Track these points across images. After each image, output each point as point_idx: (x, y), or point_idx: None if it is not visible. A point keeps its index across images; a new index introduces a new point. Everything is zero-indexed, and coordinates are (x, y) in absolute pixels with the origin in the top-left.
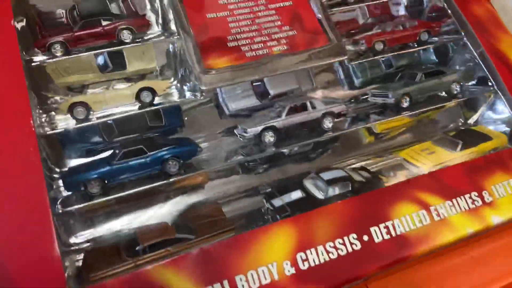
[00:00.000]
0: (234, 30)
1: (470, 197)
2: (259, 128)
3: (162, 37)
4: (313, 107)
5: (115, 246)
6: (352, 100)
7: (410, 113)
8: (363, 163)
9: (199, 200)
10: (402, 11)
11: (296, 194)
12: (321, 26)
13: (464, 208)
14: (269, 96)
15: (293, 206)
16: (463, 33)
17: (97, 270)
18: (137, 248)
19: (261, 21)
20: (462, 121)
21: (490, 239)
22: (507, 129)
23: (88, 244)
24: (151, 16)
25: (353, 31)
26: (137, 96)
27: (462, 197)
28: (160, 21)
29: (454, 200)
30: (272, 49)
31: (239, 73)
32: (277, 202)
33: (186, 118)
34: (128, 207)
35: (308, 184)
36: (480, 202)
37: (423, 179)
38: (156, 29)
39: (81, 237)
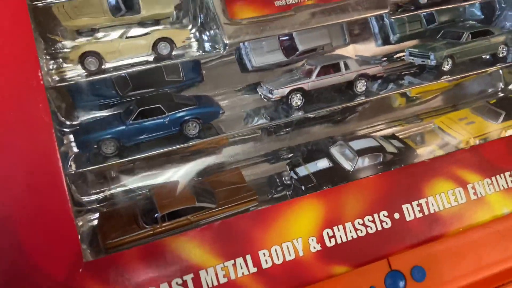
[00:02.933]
0: None
1: (511, 175)
2: (287, 90)
3: None
4: (347, 68)
5: (131, 211)
6: (386, 58)
7: (450, 78)
8: (393, 129)
9: (219, 162)
10: None
11: (323, 163)
12: None
13: (503, 187)
14: (297, 52)
15: (319, 176)
16: None
17: (113, 237)
18: (155, 215)
19: None
20: (502, 86)
21: None
22: None
23: (103, 204)
24: None
25: None
26: (154, 47)
27: (502, 174)
28: None
29: (493, 178)
30: None
31: (267, 26)
32: (302, 171)
33: (204, 72)
34: (145, 166)
35: (335, 152)
36: None
37: (462, 154)
38: None
39: (96, 196)
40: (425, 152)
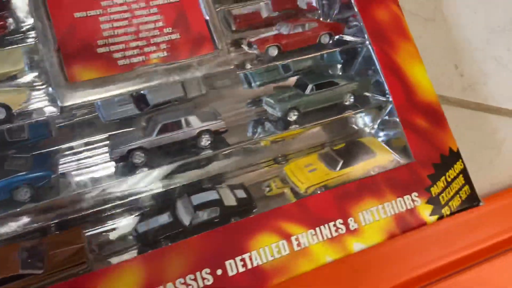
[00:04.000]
0: (107, 33)
1: (335, 225)
2: (125, 149)
3: (17, 39)
4: (188, 125)
5: None
6: (251, 102)
7: (298, 127)
8: (259, 172)
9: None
10: (312, 2)
11: (163, 219)
12: (208, 30)
13: (327, 237)
14: (149, 106)
15: (156, 233)
16: (366, 37)
17: None
18: None
19: (140, 21)
20: (357, 128)
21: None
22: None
23: None
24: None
25: (255, 27)
26: None
27: (326, 225)
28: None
29: (317, 229)
30: (150, 56)
31: (106, 88)
32: (142, 227)
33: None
34: None
35: (180, 206)
36: (344, 230)
37: (289, 208)
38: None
39: None
40: (270, 202)
